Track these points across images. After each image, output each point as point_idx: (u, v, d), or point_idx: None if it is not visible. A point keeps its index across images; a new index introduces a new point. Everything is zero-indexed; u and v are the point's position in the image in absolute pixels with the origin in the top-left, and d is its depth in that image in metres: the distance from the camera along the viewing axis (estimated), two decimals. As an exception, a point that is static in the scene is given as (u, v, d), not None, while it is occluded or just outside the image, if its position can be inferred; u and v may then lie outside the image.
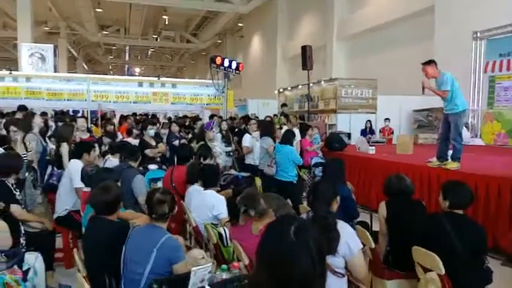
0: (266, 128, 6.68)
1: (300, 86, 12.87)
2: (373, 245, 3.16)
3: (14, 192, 3.61)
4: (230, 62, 9.23)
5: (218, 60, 8.94)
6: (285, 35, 18.48)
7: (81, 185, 4.26)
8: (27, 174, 4.23)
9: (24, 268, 3.18)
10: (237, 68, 9.44)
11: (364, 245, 3.10)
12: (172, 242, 2.56)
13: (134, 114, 10.67)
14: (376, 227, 3.74)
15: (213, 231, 3.50)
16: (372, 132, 10.62)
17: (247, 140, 7.06)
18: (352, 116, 10.82)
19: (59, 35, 20.30)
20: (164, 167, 6.13)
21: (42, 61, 10.93)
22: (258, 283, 1.22)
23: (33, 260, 3.31)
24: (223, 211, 3.77)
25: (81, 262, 2.77)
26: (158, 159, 6.60)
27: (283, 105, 11.44)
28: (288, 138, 5.91)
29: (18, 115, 6.33)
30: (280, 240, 1.18)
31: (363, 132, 10.36)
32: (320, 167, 6.88)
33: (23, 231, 3.55)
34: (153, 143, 6.69)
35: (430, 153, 5.99)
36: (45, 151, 5.46)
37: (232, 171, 6.16)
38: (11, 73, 8.53)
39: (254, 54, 21.67)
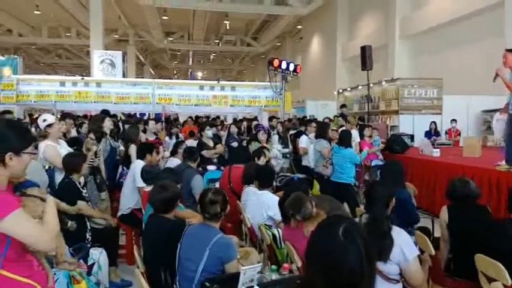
0: (320, 130, 6.59)
1: (360, 87, 12.54)
2: (433, 252, 2.99)
3: (81, 189, 3.84)
4: (288, 64, 9.23)
5: (276, 62, 8.97)
6: (345, 35, 18.12)
7: (143, 184, 4.48)
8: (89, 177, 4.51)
9: (89, 262, 3.38)
10: (295, 70, 9.42)
11: (423, 252, 2.96)
12: (224, 241, 2.61)
13: (197, 117, 11.05)
14: (438, 233, 3.55)
15: (267, 233, 3.51)
16: (437, 134, 10.07)
17: (303, 141, 7.01)
18: (415, 117, 10.35)
19: (128, 42, 21.53)
20: (222, 168, 6.26)
21: (112, 67, 11.67)
22: (307, 282, 1.23)
23: (98, 255, 3.51)
24: (277, 212, 3.78)
25: (140, 258, 2.91)
26: (215, 160, 6.75)
27: (343, 106, 11.22)
28: (345, 139, 5.79)
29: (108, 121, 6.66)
30: (328, 240, 1.19)
31: (427, 134, 9.85)
32: (379, 170, 6.67)
33: (89, 227, 3.78)
34: (211, 144, 6.85)
35: (499, 156, 5.57)
36: (113, 151, 5.82)
37: (289, 173, 6.14)
38: (83, 79, 9.19)
39: (313, 55, 21.49)
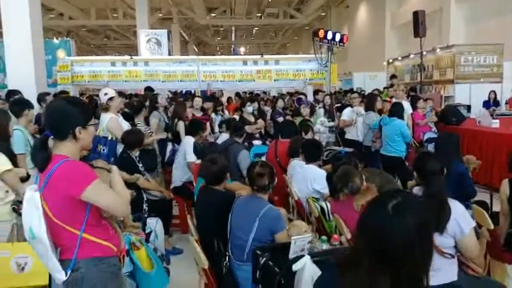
0: (368, 102, 6.41)
1: (412, 56, 12.00)
2: (491, 226, 2.89)
3: (137, 163, 4.07)
4: (334, 34, 8.94)
5: (321, 33, 8.72)
6: (395, 0, 17.24)
7: (193, 159, 4.63)
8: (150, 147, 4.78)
9: (147, 231, 3.60)
10: (341, 41, 9.12)
11: (480, 226, 2.87)
12: (273, 212, 2.67)
13: (237, 94, 11.10)
14: (497, 208, 3.41)
15: (315, 205, 3.54)
16: (497, 104, 9.49)
17: (345, 114, 6.84)
18: (472, 87, 9.79)
19: (172, 20, 21.78)
20: (268, 142, 6.31)
21: (158, 46, 11.91)
22: (355, 254, 1.25)
23: (154, 224, 3.70)
24: (325, 185, 3.79)
25: (194, 227, 3.04)
26: (257, 135, 6.81)
27: (393, 76, 10.82)
28: (396, 111, 5.62)
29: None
30: (376, 213, 1.20)
31: (486, 104, 9.30)
32: (433, 143, 6.43)
33: (145, 199, 4.02)
34: (252, 119, 6.90)
35: None
36: (167, 127, 6.07)
37: (336, 147, 6.07)
38: (131, 58, 9.48)
39: (360, 24, 20.70)
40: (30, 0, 7.32)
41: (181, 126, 5.83)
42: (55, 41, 12.62)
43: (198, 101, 7.11)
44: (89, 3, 19.89)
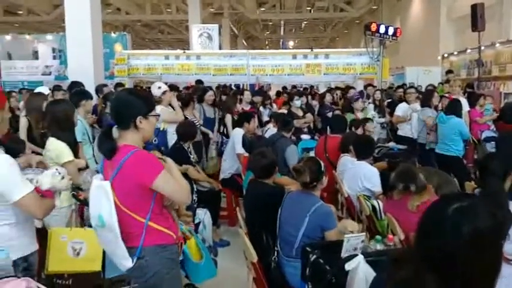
0: (425, 98, 6.13)
1: (469, 50, 11.34)
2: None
3: (189, 155, 4.17)
4: (386, 28, 8.65)
5: (373, 27, 8.46)
6: (452, -9, 16.35)
7: (242, 151, 4.67)
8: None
9: (196, 221, 3.67)
10: (394, 34, 8.80)
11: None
12: (324, 209, 2.63)
13: (284, 88, 11.02)
14: None
15: (366, 203, 3.45)
16: (562, 101, 8.79)
17: (400, 109, 6.59)
18: (537, 83, 9.12)
19: (223, 15, 22.01)
20: (316, 137, 6.23)
21: (209, 40, 12.08)
22: (408, 253, 1.20)
23: (203, 215, 3.78)
24: (377, 183, 3.69)
25: (243, 220, 3.06)
26: (306, 129, 6.73)
27: (449, 71, 10.29)
28: (453, 108, 5.34)
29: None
30: (434, 214, 1.14)
31: (550, 102, 8.64)
32: (492, 142, 6.07)
33: (195, 189, 4.10)
34: (300, 113, 6.83)
35: None
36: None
37: (388, 144, 5.88)
38: (184, 52, 9.69)
39: (413, 17, 19.82)
40: (91, -4, 7.64)
41: (228, 119, 5.89)
42: (112, 35, 13.17)
43: (247, 95, 7.15)
44: (145, -1, 20.56)
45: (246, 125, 4.94)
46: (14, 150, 3.17)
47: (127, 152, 1.89)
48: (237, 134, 4.87)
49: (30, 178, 1.98)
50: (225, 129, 5.92)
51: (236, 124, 5.20)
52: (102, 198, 1.89)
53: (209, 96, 5.90)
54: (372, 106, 7.21)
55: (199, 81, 8.12)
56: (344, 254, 2.07)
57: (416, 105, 6.26)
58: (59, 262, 2.57)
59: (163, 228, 1.99)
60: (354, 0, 22.22)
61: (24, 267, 2.00)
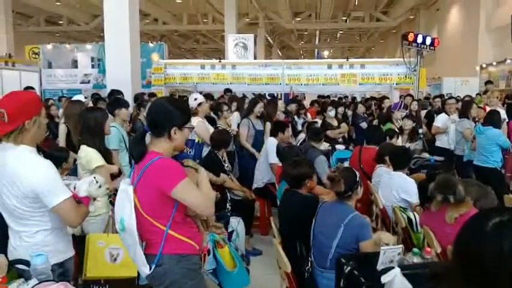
0: (463, 108, 5.97)
1: (508, 61, 10.97)
2: None
3: (223, 163, 4.20)
4: (424, 37, 8.48)
5: (411, 36, 8.32)
6: (491, 2, 15.78)
7: (275, 160, 4.67)
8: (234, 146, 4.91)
9: (229, 230, 3.69)
10: (432, 44, 8.61)
11: None
12: (359, 220, 2.59)
13: (320, 96, 10.95)
14: None
15: (402, 215, 3.38)
16: None
17: (440, 120, 6.42)
18: None
19: (258, 25, 22.23)
20: (351, 147, 6.16)
21: (245, 50, 12.21)
22: (447, 269, 1.17)
23: (236, 223, 3.79)
24: (413, 195, 3.61)
25: (277, 229, 3.07)
26: (340, 139, 6.67)
27: (488, 82, 9.94)
28: (491, 119, 5.17)
29: (225, 97, 7.35)
30: (472, 229, 1.09)
31: None
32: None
33: (229, 198, 4.13)
34: (335, 123, 6.77)
35: None
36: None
37: (425, 155, 5.73)
38: (220, 61, 9.83)
39: (451, 27, 19.30)
40: (130, 6, 7.82)
41: (268, 127, 5.88)
42: (150, 44, 13.55)
43: (281, 104, 7.15)
44: (182, 9, 21.05)
45: (280, 135, 4.94)
46: (59, 158, 3.31)
47: (152, 157, 1.89)
48: (271, 144, 4.87)
49: (67, 183, 2.02)
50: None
51: (271, 133, 5.21)
52: (125, 202, 1.91)
53: (259, 108, 5.68)
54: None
55: (228, 90, 8.17)
56: (380, 267, 2.03)
57: (456, 117, 6.10)
58: (96, 268, 2.62)
59: (184, 238, 1.97)
60: (391, 10, 21.90)
61: (60, 272, 2.02)
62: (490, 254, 1.01)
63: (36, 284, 1.70)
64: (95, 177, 2.06)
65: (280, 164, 4.34)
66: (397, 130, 5.91)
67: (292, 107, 7.44)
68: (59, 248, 2.04)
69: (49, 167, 1.94)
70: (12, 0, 15.90)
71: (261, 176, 4.88)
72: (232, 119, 6.25)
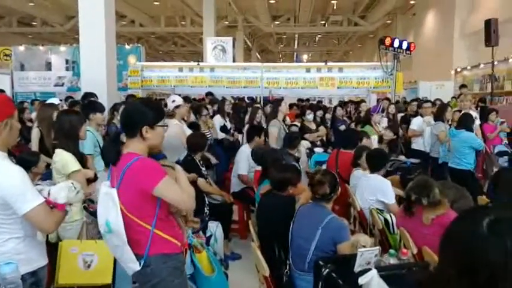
0: (438, 112, 6.09)
1: (482, 65, 11.31)
2: None
3: (201, 167, 4.15)
4: (401, 42, 8.67)
5: (387, 41, 8.49)
6: (465, 8, 16.24)
7: (244, 171, 4.71)
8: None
9: (207, 234, 3.65)
10: (408, 49, 8.82)
11: None
12: (337, 222, 2.60)
13: (300, 100, 11.03)
14: None
15: (379, 217, 3.41)
16: None
17: (416, 123, 6.55)
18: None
19: (237, 28, 22.25)
20: (329, 150, 6.20)
21: (223, 53, 12.20)
22: (440, 275, 1.15)
23: (215, 228, 3.76)
24: (390, 195, 3.65)
25: (255, 233, 3.04)
26: (319, 142, 6.71)
27: (462, 86, 10.22)
28: (465, 122, 5.30)
29: (206, 100, 7.34)
30: (468, 232, 1.07)
31: None
32: (505, 157, 6.01)
33: (207, 202, 4.07)
34: (313, 127, 6.82)
35: None
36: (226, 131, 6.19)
37: (401, 157, 5.82)
38: (198, 64, 9.79)
39: (427, 32, 19.77)
40: (105, 8, 7.67)
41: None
42: (126, 47, 13.35)
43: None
44: (159, 11, 20.85)
45: (257, 139, 4.92)
46: (29, 162, 3.21)
47: (130, 159, 1.91)
48: (241, 153, 4.86)
49: (39, 189, 1.94)
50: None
51: (247, 138, 5.19)
52: (109, 204, 1.92)
53: (227, 105, 5.88)
54: (385, 120, 7.16)
55: (209, 93, 8.17)
56: (357, 269, 2.03)
57: (430, 119, 6.22)
58: (69, 274, 2.55)
59: (168, 237, 2.00)
60: (369, 15, 22.29)
61: (32, 282, 1.95)
62: (495, 256, 0.99)
63: None
64: (72, 183, 2.02)
65: (258, 169, 4.32)
66: (375, 132, 5.99)
67: (267, 109, 7.38)
68: (31, 257, 1.96)
69: (19, 172, 1.87)
70: (-17, 0, 15.46)
71: (237, 182, 4.86)
72: (215, 122, 6.22)
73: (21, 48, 13.31)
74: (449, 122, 6.12)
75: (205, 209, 4.04)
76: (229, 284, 2.96)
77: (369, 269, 1.95)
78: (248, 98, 11.47)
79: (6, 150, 1.93)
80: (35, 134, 4.36)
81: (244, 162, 4.77)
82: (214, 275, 2.71)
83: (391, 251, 2.28)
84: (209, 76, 9.45)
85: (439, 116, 5.95)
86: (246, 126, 5.98)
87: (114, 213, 1.89)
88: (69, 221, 2.74)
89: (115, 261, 2.54)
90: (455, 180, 4.86)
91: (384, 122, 7.12)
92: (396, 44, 8.55)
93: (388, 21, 23.36)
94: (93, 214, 2.84)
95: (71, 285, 2.60)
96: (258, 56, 31.62)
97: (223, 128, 6.36)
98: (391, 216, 3.39)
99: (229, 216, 4.48)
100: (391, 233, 3.31)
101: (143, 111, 2.00)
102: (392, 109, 7.36)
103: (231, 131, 6.55)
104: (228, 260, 4.11)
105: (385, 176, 4.04)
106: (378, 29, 23.77)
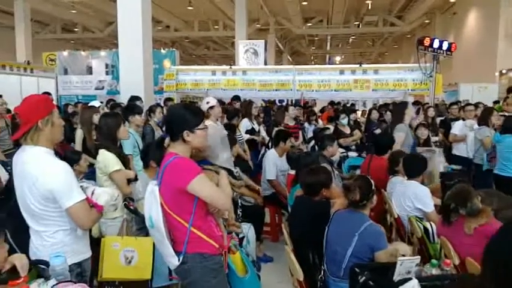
0: (483, 116, 5.81)
1: (530, 67, 10.75)
2: None
3: (233, 169, 4.17)
4: (441, 42, 8.35)
5: (426, 41, 8.20)
6: (511, 6, 15.57)
7: (272, 176, 4.70)
8: None
9: (240, 236, 3.65)
10: (449, 49, 8.47)
11: None
12: (374, 229, 2.54)
13: (332, 102, 10.91)
14: None
15: (418, 225, 3.29)
16: None
17: (457, 128, 6.28)
18: None
19: (268, 31, 22.28)
20: (364, 154, 6.07)
21: (255, 56, 12.23)
22: (481, 284, 1.10)
23: (247, 229, 3.75)
24: (428, 204, 3.52)
25: (289, 237, 3.01)
26: (353, 147, 6.59)
27: (510, 89, 9.70)
28: (509, 125, 5.04)
29: (236, 104, 7.36)
30: (504, 242, 1.04)
31: None
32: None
33: (239, 204, 4.08)
34: (348, 131, 6.70)
35: None
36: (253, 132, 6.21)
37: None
38: (231, 68, 9.84)
39: (469, 32, 19.03)
40: (142, 14, 7.87)
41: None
42: (162, 51, 13.64)
43: (291, 110, 7.09)
44: (193, 16, 21.21)
45: (282, 145, 4.89)
46: (71, 160, 3.34)
47: (168, 158, 2.03)
48: (268, 159, 4.83)
49: (85, 186, 2.07)
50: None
51: (273, 142, 5.18)
52: (152, 201, 2.05)
53: (254, 108, 5.92)
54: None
55: (236, 98, 8.14)
56: (397, 278, 1.97)
57: (474, 123, 5.95)
58: (111, 269, 2.65)
59: (205, 236, 2.08)
60: (406, 15, 21.75)
61: (77, 272, 2.08)
62: None
63: (56, 284, 1.74)
64: (119, 195, 2.21)
65: (291, 173, 4.29)
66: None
67: (295, 112, 7.25)
68: (77, 248, 2.11)
69: (65, 168, 2.01)
70: (31, 9, 16.22)
71: (267, 187, 4.85)
72: (242, 125, 6.24)
73: (65, 53, 13.86)
74: (494, 127, 5.82)
75: (238, 210, 4.06)
76: (262, 287, 2.94)
77: (409, 279, 1.88)
78: (279, 101, 11.47)
79: (52, 148, 2.06)
80: (79, 135, 4.57)
81: (271, 167, 4.77)
82: (247, 276, 2.71)
83: (433, 261, 2.19)
84: (241, 79, 9.47)
85: (483, 120, 5.66)
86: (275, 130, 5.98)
87: (156, 208, 2.02)
88: (110, 218, 2.92)
89: (153, 257, 2.65)
90: (500, 188, 4.63)
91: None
92: (436, 44, 8.26)
93: (427, 21, 22.69)
94: (133, 212, 2.94)
95: (112, 279, 2.68)
96: (290, 58, 31.53)
97: (251, 131, 6.36)
98: (431, 224, 3.26)
99: (261, 218, 4.48)
100: (430, 242, 3.19)
101: (183, 116, 2.09)
102: (431, 112, 7.11)
103: (260, 133, 6.54)
104: (260, 262, 4.10)
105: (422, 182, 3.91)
106: (415, 29, 23.17)
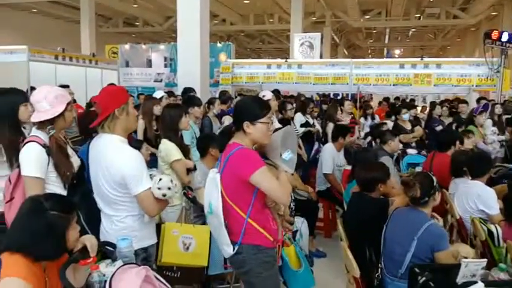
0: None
1: None
2: None
3: (290, 171, 4.18)
4: (510, 36, 7.81)
5: (494, 34, 7.70)
6: None
7: (329, 170, 4.66)
8: None
9: (294, 229, 3.67)
10: (519, 43, 7.92)
11: None
12: (436, 229, 2.45)
13: (387, 98, 10.54)
14: None
15: (482, 227, 3.13)
16: None
17: None
18: None
19: (324, 23, 21.89)
20: (424, 152, 5.84)
21: (311, 49, 12.11)
22: None
23: (300, 223, 3.76)
24: (493, 206, 3.33)
25: (344, 232, 2.98)
26: (414, 144, 6.34)
27: None
28: None
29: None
30: None
31: None
32: None
33: (292, 197, 4.08)
34: (408, 127, 6.45)
35: None
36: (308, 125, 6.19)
37: (507, 164, 5.27)
38: (286, 61, 9.82)
39: (542, 24, 17.65)
40: (201, 8, 8.00)
41: (330, 128, 5.83)
42: (218, 44, 13.87)
43: (348, 105, 6.95)
44: (249, 10, 21.33)
45: (341, 140, 4.82)
46: (135, 148, 3.51)
47: (233, 148, 2.07)
48: (325, 152, 4.77)
49: (153, 174, 2.15)
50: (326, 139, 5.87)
51: (332, 137, 5.11)
52: (213, 188, 2.10)
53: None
54: (490, 121, 6.52)
55: (276, 91, 8.06)
56: (461, 280, 1.89)
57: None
58: (171, 254, 2.75)
59: (261, 229, 2.10)
60: (470, 7, 20.47)
61: (143, 257, 2.17)
62: None
63: (122, 266, 1.82)
64: (176, 184, 2.16)
65: (347, 168, 4.23)
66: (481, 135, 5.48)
67: (350, 107, 7.07)
68: (144, 234, 2.20)
69: (137, 156, 2.11)
70: (95, 3, 17.11)
71: (323, 180, 4.81)
72: (296, 119, 6.22)
73: (126, 46, 14.50)
74: None
75: (291, 204, 4.06)
76: (316, 281, 2.94)
77: (474, 282, 1.80)
78: (333, 95, 11.27)
79: (126, 136, 2.18)
80: (141, 125, 4.79)
81: (328, 161, 4.72)
82: (301, 269, 2.75)
83: (501, 265, 2.08)
84: (296, 72, 9.40)
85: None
86: (330, 124, 5.89)
87: (216, 195, 2.06)
88: (170, 205, 2.96)
89: (210, 246, 2.74)
90: None
91: (489, 125, 6.46)
92: (505, 37, 7.73)
93: (493, 13, 21.24)
94: (192, 200, 3.05)
95: (171, 264, 2.79)
96: (345, 52, 30.82)
97: (305, 125, 6.30)
98: (496, 227, 3.09)
99: (315, 213, 4.47)
100: (495, 245, 3.03)
101: (247, 107, 2.14)
102: (499, 109, 6.68)
103: (315, 125, 6.47)
104: (313, 257, 4.08)
105: (490, 183, 3.70)
106: (480, 22, 21.76)
